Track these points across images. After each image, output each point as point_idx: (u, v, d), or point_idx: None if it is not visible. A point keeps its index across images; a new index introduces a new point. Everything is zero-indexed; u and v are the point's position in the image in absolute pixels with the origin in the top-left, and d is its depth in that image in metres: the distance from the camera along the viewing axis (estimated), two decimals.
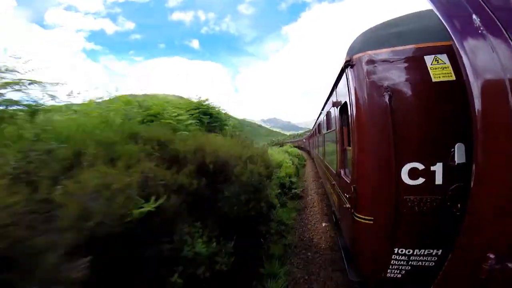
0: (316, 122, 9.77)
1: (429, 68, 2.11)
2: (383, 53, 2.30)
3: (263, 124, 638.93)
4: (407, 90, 2.19)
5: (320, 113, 7.16)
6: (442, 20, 1.47)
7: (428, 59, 2.13)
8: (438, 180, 2.09)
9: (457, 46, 1.35)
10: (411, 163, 2.13)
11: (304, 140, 31.97)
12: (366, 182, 2.35)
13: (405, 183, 2.15)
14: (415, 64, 2.18)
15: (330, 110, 4.45)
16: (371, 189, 2.31)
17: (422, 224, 2.17)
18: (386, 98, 2.15)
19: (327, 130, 5.41)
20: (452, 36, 1.39)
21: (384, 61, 2.27)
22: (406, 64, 2.22)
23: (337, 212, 3.94)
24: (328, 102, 4.74)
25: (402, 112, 2.15)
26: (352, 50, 2.57)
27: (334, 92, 3.78)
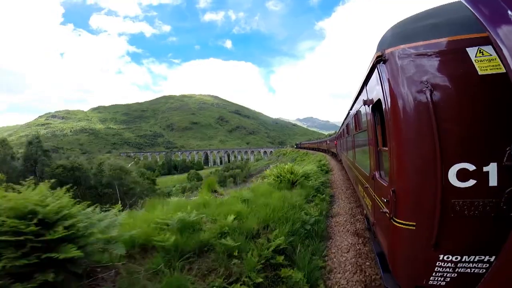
0: (343, 122, 9.36)
1: (473, 61, 1.99)
2: (418, 46, 2.20)
3: (298, 123, 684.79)
4: (450, 84, 2.06)
5: (348, 113, 6.89)
6: (474, 11, 1.44)
7: (471, 51, 2.01)
8: (492, 181, 1.93)
9: (494, 38, 1.28)
10: (460, 164, 2.00)
11: (328, 142, 29.12)
12: (407, 185, 2.22)
13: (453, 186, 2.02)
14: (456, 57, 2.06)
15: (360, 109, 4.24)
16: (413, 192, 2.19)
17: (472, 229, 2.04)
18: (427, 94, 2.03)
19: (357, 130, 5.11)
20: (487, 27, 1.35)
21: (421, 55, 2.17)
22: (446, 57, 2.11)
23: (371, 217, 3.78)
24: (358, 100, 4.55)
25: (447, 108, 2.03)
26: (383, 45, 2.49)
27: (364, 90, 3.65)
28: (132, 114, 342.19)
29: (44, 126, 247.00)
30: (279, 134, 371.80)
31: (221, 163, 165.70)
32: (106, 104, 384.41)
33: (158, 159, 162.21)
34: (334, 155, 23.46)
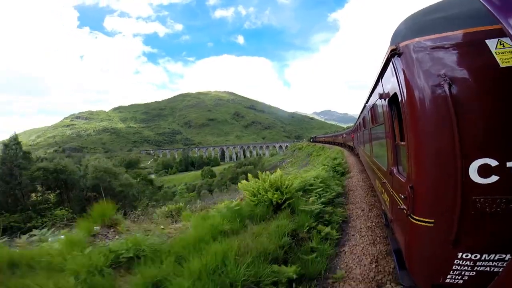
0: (360, 115, 9.12)
1: (494, 53, 1.93)
2: (434, 39, 2.14)
3: (315, 117, 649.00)
4: (470, 77, 2.01)
5: (364, 106, 6.76)
6: (485, 3, 1.38)
7: (491, 43, 1.95)
8: None
9: (508, 30, 1.24)
10: (481, 159, 1.93)
11: (344, 135, 27.79)
12: (425, 181, 2.17)
13: (474, 182, 1.96)
14: (475, 49, 2.01)
15: (377, 103, 4.15)
16: (432, 189, 2.14)
17: (494, 227, 1.99)
18: (446, 87, 1.97)
19: (374, 124, 5.00)
20: (500, 19, 1.31)
21: (437, 47, 2.12)
22: (464, 50, 2.06)
23: (388, 213, 3.68)
24: (374, 94, 4.44)
25: (467, 102, 1.97)
26: (397, 38, 2.44)
27: (380, 83, 3.59)
28: (151, 112, 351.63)
29: (69, 127, 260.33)
30: (295, 128, 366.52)
31: (237, 158, 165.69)
32: (126, 104, 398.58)
33: (176, 156, 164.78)
34: (351, 149, 22.26)
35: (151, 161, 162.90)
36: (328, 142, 48.24)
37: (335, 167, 12.29)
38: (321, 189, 7.16)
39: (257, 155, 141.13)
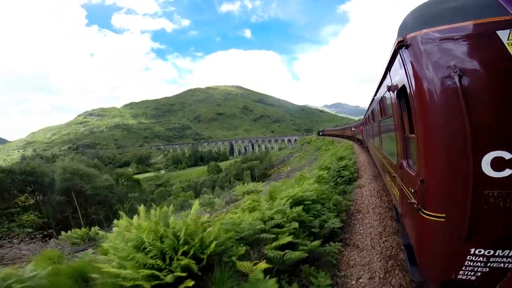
0: (369, 108, 8.82)
1: (506, 44, 1.91)
2: (443, 30, 2.11)
3: (326, 110, 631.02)
4: (481, 68, 1.98)
5: (373, 98, 6.60)
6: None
7: (503, 34, 1.91)
8: None
9: None
10: (494, 152, 1.89)
11: (353, 129, 27.10)
12: (436, 175, 2.13)
13: (487, 175, 1.92)
14: (485, 40, 1.97)
15: (385, 95, 4.07)
16: (442, 182, 2.09)
17: (508, 222, 1.95)
18: (456, 79, 1.95)
19: (383, 116, 4.92)
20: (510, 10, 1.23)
21: (446, 39, 2.09)
22: (474, 41, 2.03)
23: (399, 207, 3.62)
24: (382, 86, 4.40)
25: (479, 94, 1.94)
26: (404, 30, 2.41)
27: (388, 76, 3.56)
28: (161, 108, 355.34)
29: (83, 124, 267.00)
30: (305, 121, 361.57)
31: (245, 152, 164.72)
32: (137, 100, 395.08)
33: (186, 151, 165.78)
34: (360, 142, 21.28)
35: (161, 157, 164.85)
36: (337, 135, 47.08)
37: (339, 171, 9.67)
38: (312, 213, 4.58)
39: (265, 149, 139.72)
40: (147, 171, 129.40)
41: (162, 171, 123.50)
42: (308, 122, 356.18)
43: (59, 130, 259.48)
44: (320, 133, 77.04)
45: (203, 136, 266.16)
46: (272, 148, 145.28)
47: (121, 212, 4.01)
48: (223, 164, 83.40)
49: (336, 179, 8.75)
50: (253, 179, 50.94)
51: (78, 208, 22.33)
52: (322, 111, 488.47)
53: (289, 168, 49.24)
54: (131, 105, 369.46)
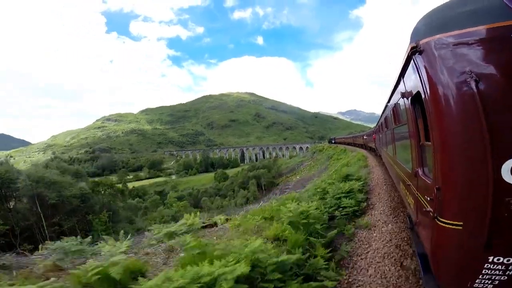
0: (382, 115, 8.61)
1: None
2: (457, 35, 2.08)
3: (340, 117, 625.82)
4: (499, 73, 1.94)
5: (386, 105, 6.44)
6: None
7: None
8: None
9: None
10: None
11: (365, 137, 26.39)
12: (453, 183, 2.09)
13: (507, 183, 1.86)
14: (502, 44, 1.94)
15: (399, 102, 4.01)
16: (460, 190, 2.05)
17: None
18: (473, 84, 1.90)
19: (396, 124, 4.82)
20: None
21: (460, 44, 2.05)
22: (490, 45, 2.00)
23: (413, 216, 3.55)
24: (395, 92, 4.34)
25: (497, 99, 1.90)
26: (417, 35, 2.40)
27: (401, 82, 3.51)
28: (176, 114, 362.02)
29: (100, 129, 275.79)
30: (318, 128, 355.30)
31: (256, 159, 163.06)
32: (153, 106, 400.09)
33: (198, 157, 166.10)
34: (373, 150, 20.13)
35: (173, 162, 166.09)
36: (348, 143, 45.41)
37: (340, 199, 6.63)
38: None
39: (276, 156, 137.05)
40: (158, 176, 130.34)
41: (173, 177, 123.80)
42: (321, 130, 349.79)
43: (78, 134, 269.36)
44: (332, 141, 75.28)
45: (216, 142, 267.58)
46: (283, 155, 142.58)
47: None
48: (231, 172, 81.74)
49: (334, 210, 6.21)
50: (260, 188, 48.64)
51: (42, 216, 21.12)
52: (336, 118, 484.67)
53: (298, 177, 46.96)
54: (146, 111, 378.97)
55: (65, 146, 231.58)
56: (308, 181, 31.91)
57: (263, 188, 48.58)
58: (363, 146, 28.84)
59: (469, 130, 1.96)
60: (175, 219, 20.84)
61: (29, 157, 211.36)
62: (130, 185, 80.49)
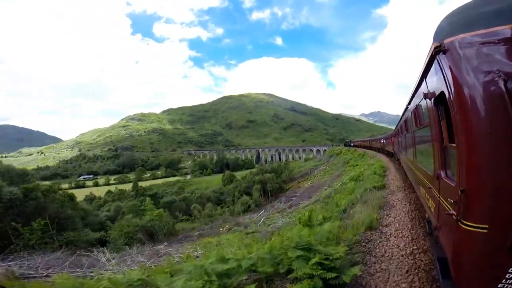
0: (401, 119, 8.50)
1: None
2: (482, 34, 2.05)
3: (363, 119, 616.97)
4: None
5: (406, 108, 6.28)
6: None
7: None
8: None
9: None
10: None
11: (382, 140, 25.53)
12: (479, 185, 2.03)
13: None
14: None
15: (421, 104, 3.94)
16: (486, 192, 1.99)
17: None
18: (501, 84, 1.86)
19: (418, 126, 4.65)
20: None
21: (486, 43, 2.02)
22: None
23: (433, 219, 3.47)
24: (417, 94, 4.25)
25: None
26: (440, 35, 2.37)
27: (424, 83, 3.45)
28: (196, 115, 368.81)
29: (124, 127, 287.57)
30: (340, 130, 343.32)
31: (272, 161, 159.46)
32: (175, 107, 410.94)
33: (215, 157, 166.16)
34: (391, 155, 19.12)
35: (190, 162, 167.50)
36: (365, 147, 43.32)
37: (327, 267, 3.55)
38: None
39: (287, 160, 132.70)
40: (174, 175, 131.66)
41: (188, 176, 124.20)
42: (343, 132, 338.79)
43: (104, 132, 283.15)
44: (351, 144, 70.64)
45: (233, 143, 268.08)
46: (299, 158, 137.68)
47: None
48: (241, 174, 79.08)
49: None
50: (265, 194, 44.98)
51: None
52: (358, 120, 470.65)
53: (309, 183, 43.23)
54: (169, 111, 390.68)
55: (90, 143, 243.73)
56: (318, 190, 29.23)
57: (269, 195, 45.02)
58: (380, 150, 26.97)
59: (498, 131, 1.91)
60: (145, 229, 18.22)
61: (58, 153, 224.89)
62: (144, 184, 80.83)
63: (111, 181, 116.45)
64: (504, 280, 2.04)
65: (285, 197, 36.99)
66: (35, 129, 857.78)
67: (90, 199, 62.95)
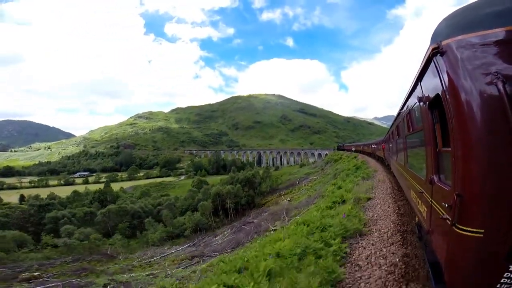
0: (393, 124, 8.60)
1: None
2: (481, 36, 2.04)
3: (376, 122, 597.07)
4: None
5: (399, 113, 6.32)
6: None
7: None
8: None
9: None
10: None
11: (373, 146, 26.75)
12: (476, 189, 1.98)
13: None
14: None
15: (414, 108, 3.92)
16: (484, 196, 1.95)
17: None
18: (500, 85, 1.84)
19: (410, 131, 4.64)
20: None
21: (485, 44, 2.01)
22: None
23: (424, 224, 3.47)
24: (411, 98, 4.23)
25: None
26: (439, 36, 2.35)
27: (418, 86, 3.42)
28: (203, 114, 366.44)
29: (132, 125, 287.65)
30: (350, 133, 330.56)
31: (273, 164, 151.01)
32: (183, 106, 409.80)
33: (213, 157, 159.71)
34: (381, 160, 19.78)
35: (189, 162, 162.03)
36: (357, 151, 43.84)
37: None
38: None
39: (294, 162, 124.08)
40: (169, 175, 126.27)
41: (182, 177, 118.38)
42: (353, 135, 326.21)
43: (111, 129, 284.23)
44: (338, 148, 68.80)
45: (238, 143, 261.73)
46: (301, 161, 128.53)
47: None
48: (210, 180, 70.14)
49: None
50: (224, 213, 35.35)
51: None
52: (371, 124, 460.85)
53: (288, 198, 35.07)
54: (177, 110, 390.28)
55: (97, 140, 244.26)
56: (291, 211, 22.02)
57: (230, 214, 35.94)
58: (370, 154, 29.37)
59: (496, 134, 1.89)
60: None
61: (64, 149, 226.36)
62: (137, 183, 74.93)
63: (102, 179, 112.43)
64: (499, 285, 2.04)
65: (251, 216, 28.70)
66: (51, 125, 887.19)
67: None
